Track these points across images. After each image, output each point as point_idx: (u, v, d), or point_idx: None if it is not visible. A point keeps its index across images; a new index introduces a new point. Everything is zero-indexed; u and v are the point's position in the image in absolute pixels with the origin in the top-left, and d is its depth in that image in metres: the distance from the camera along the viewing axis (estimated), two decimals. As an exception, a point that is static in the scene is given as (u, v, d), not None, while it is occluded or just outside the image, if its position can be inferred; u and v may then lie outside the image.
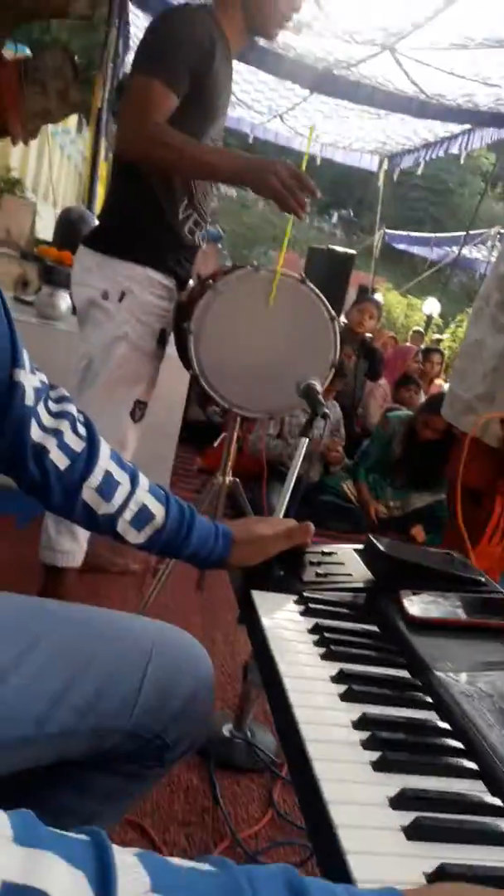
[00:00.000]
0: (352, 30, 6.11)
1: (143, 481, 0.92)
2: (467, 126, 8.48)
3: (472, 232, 10.95)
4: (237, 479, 2.03)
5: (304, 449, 1.56)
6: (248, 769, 1.56)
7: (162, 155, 1.65)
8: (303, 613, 0.88)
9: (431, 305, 12.05)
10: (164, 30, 1.71)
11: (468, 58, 6.21)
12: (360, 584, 0.97)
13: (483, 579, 0.99)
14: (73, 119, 7.58)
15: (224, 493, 2.03)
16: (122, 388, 1.88)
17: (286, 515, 1.50)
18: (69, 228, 3.98)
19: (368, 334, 4.62)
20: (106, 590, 2.31)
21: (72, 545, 1.93)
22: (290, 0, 1.75)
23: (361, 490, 3.86)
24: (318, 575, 0.99)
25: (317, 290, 1.80)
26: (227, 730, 1.65)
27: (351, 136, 10.47)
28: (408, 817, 0.55)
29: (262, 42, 7.01)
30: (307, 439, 1.54)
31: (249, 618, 0.88)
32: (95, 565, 2.34)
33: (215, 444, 3.59)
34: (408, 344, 6.35)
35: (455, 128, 8.74)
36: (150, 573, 2.24)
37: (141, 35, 1.81)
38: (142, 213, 1.79)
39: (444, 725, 0.69)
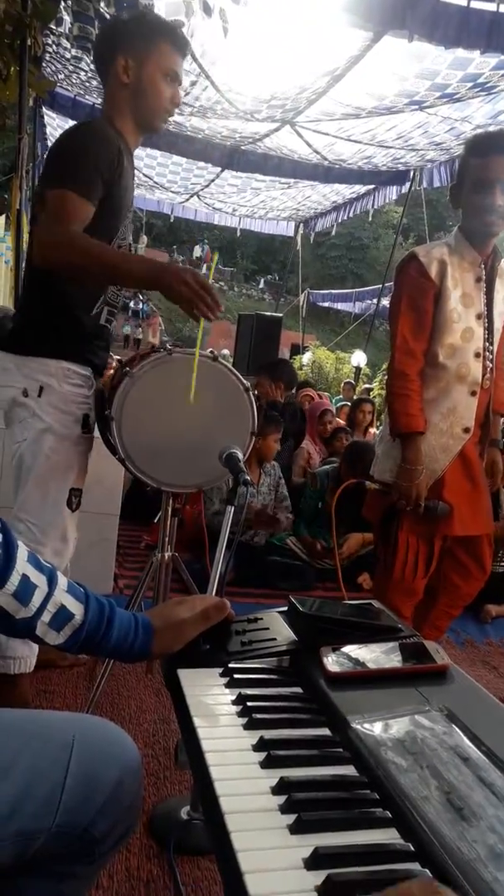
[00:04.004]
0: (251, 110, 6.45)
1: (62, 581, 0.93)
2: (371, 186, 8.97)
3: (389, 283, 11.44)
4: (176, 555, 2.05)
5: (231, 516, 1.59)
6: (209, 851, 1.53)
7: (79, 262, 1.71)
8: (227, 685, 0.90)
9: (358, 357, 12.52)
10: (75, 145, 1.79)
11: (362, 126, 6.61)
12: (284, 647, 1.00)
13: (401, 626, 1.03)
14: (0, 219, 7.74)
15: (166, 570, 2.04)
16: (55, 480, 1.89)
17: (223, 581, 1.52)
18: (-5, 328, 4.02)
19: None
20: (56, 685, 2.26)
21: (24, 650, 1.88)
22: (171, 97, 1.89)
23: (304, 539, 3.93)
24: (243, 644, 1.01)
25: (229, 365, 1.87)
26: (185, 812, 1.62)
27: (266, 206, 10.95)
28: (321, 876, 0.57)
29: (171, 127, 7.37)
30: (232, 507, 1.58)
31: (175, 696, 0.90)
32: (44, 661, 2.29)
33: (155, 521, 3.60)
34: (324, 399, 6.50)
35: (360, 188, 9.24)
36: (99, 663, 2.21)
37: (57, 134, 1.90)
38: (51, 311, 1.85)
39: (361, 778, 0.71)
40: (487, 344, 2.21)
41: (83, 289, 1.87)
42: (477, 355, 2.18)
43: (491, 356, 2.23)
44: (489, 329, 2.21)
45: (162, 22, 1.88)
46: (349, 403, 6.98)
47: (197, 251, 31.00)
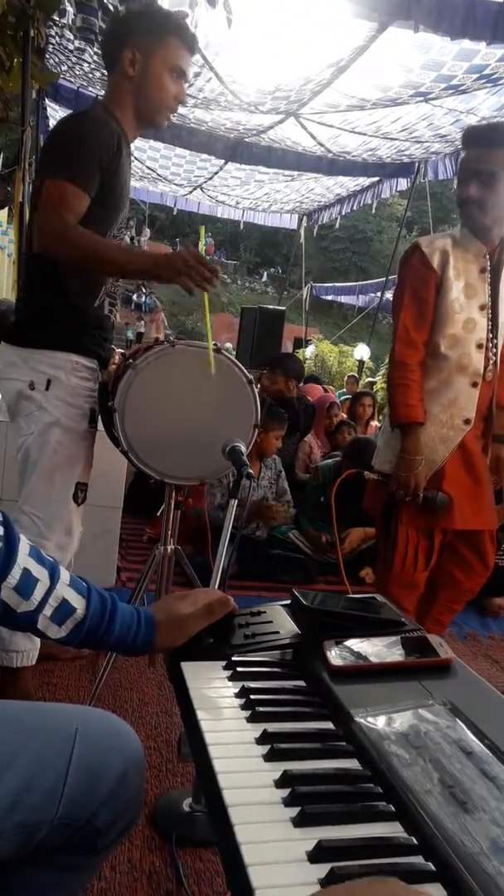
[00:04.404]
0: (255, 102, 6.41)
1: (64, 575, 0.93)
2: (375, 178, 8.92)
3: (392, 276, 11.40)
4: (179, 548, 2.05)
5: (234, 509, 1.59)
6: (211, 843, 1.53)
7: (76, 256, 1.73)
8: (230, 678, 0.90)
9: (361, 350, 12.49)
10: (74, 134, 1.79)
11: (367, 118, 6.57)
12: (287, 640, 1.00)
13: (404, 619, 1.03)
14: (3, 212, 7.73)
15: (169, 563, 2.04)
16: (62, 474, 1.89)
17: (226, 574, 1.52)
18: (-1, 320, 4.03)
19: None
20: (58, 677, 2.26)
21: (27, 644, 1.89)
22: (176, 94, 1.88)
23: (308, 533, 3.92)
24: (246, 637, 1.00)
25: (232, 357, 1.86)
26: (186, 805, 1.62)
27: (269, 199, 10.90)
28: (324, 869, 0.57)
29: (175, 119, 7.34)
30: (235, 500, 1.58)
31: (179, 689, 0.90)
32: (46, 654, 2.30)
33: (158, 514, 3.60)
34: (327, 392, 6.45)
35: (364, 181, 9.19)
36: (102, 656, 2.22)
37: None
38: (56, 303, 1.85)
39: (364, 771, 0.71)
40: (491, 335, 2.20)
41: (84, 279, 1.86)
42: (479, 346, 2.18)
43: (495, 348, 2.22)
44: (493, 321, 2.21)
45: (172, 18, 1.87)
46: (351, 397, 6.97)
47: (200, 245, 31.05)
